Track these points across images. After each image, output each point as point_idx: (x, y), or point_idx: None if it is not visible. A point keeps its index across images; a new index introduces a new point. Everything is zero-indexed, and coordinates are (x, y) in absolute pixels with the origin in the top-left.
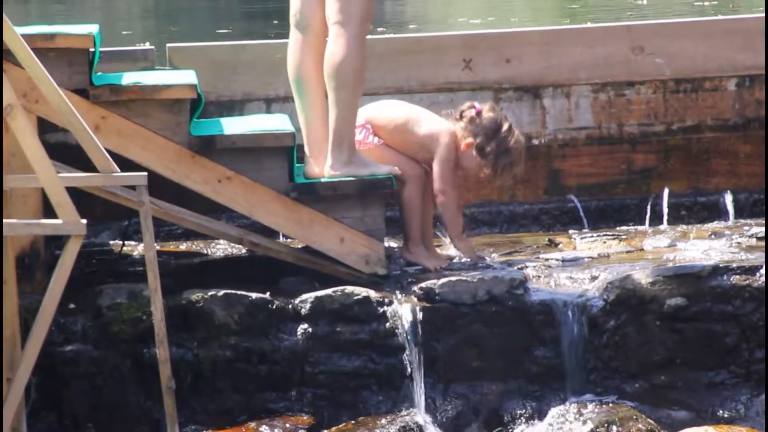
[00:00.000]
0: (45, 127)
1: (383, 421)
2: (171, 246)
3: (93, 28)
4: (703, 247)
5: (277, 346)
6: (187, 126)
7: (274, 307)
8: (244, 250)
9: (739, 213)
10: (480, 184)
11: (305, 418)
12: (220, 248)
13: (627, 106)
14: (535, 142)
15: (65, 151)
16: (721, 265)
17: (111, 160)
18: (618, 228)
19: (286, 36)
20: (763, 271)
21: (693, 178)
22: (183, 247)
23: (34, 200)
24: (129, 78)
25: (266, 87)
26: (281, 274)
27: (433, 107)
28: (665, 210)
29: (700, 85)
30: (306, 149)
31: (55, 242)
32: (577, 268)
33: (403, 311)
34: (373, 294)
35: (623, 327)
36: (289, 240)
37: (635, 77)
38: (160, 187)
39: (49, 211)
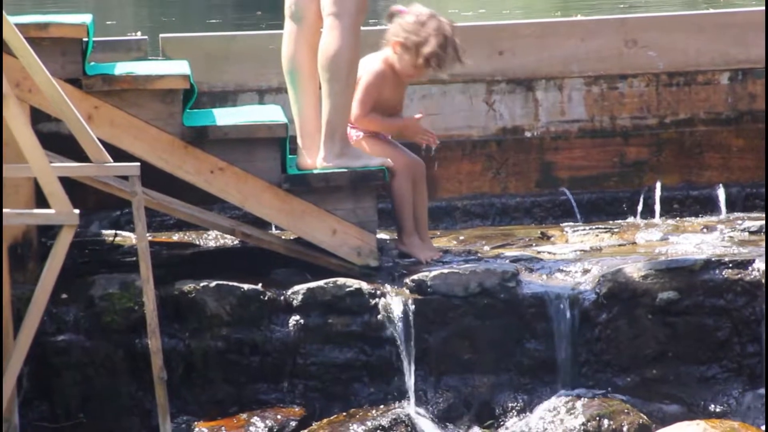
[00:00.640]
0: (38, 117)
1: (374, 412)
2: (163, 236)
3: (86, 18)
4: (695, 241)
5: (269, 338)
6: (180, 116)
7: (266, 298)
8: (236, 241)
9: (732, 207)
10: (471, 175)
11: (297, 409)
12: (212, 239)
13: (620, 99)
14: (528, 134)
15: (58, 140)
16: (713, 259)
17: (103, 150)
18: (610, 221)
19: (278, 27)
20: (755, 265)
21: (685, 171)
22: (175, 237)
23: (27, 190)
24: (122, 68)
25: (259, 78)
26: (273, 265)
27: (426, 99)
28: (657, 203)
29: (692, 78)
30: (299, 140)
31: (48, 232)
32: (569, 261)
33: (394, 303)
34: (365, 286)
35: (615, 320)
36: (281, 231)
37: (628, 70)
38: (152, 177)
39: (41, 200)
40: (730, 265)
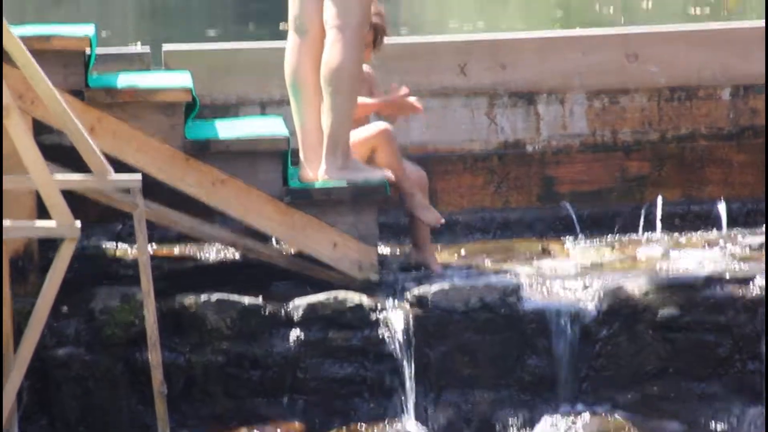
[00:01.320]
0: (40, 129)
1: (374, 428)
2: (164, 249)
3: (89, 30)
4: (696, 257)
5: (269, 352)
6: (182, 129)
7: (267, 312)
8: (237, 254)
9: (733, 222)
10: (473, 189)
11: (296, 424)
12: (214, 252)
13: (621, 113)
14: (529, 148)
15: (60, 152)
16: (714, 276)
17: (106, 162)
18: (611, 236)
19: (276, 38)
20: (756, 281)
21: (687, 186)
22: (176, 250)
23: (28, 201)
24: (124, 80)
25: (261, 90)
26: (274, 278)
27: (427, 113)
28: (659, 218)
29: (694, 93)
30: (301, 153)
31: (49, 244)
32: (570, 277)
33: (395, 318)
34: (365, 300)
35: (616, 336)
36: (282, 244)
37: (630, 85)
38: (154, 189)
39: (43, 212)
40: (732, 281)
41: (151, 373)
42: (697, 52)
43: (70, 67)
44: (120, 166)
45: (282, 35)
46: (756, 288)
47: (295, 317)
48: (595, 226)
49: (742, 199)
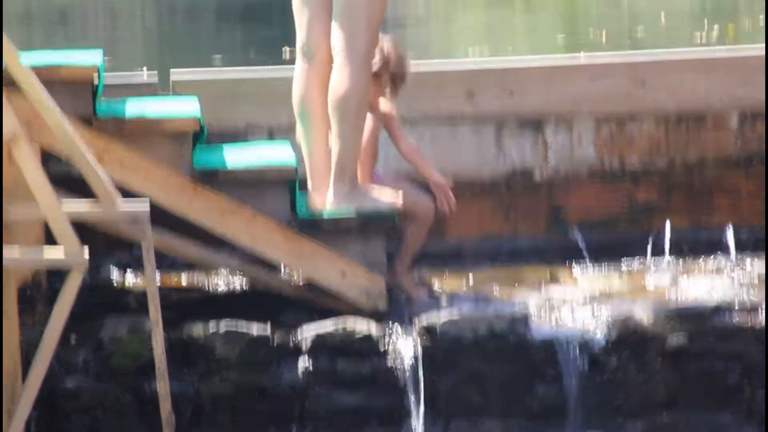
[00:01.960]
0: (48, 157)
1: None
2: (173, 278)
3: (97, 58)
4: (705, 285)
5: (278, 382)
6: (190, 157)
7: (275, 342)
8: (245, 283)
9: (742, 250)
10: (481, 216)
11: None
12: (222, 281)
13: (629, 140)
14: (537, 175)
15: (68, 181)
16: (723, 304)
17: (114, 190)
18: (620, 264)
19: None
20: (765, 309)
21: (695, 213)
22: (184, 279)
23: (36, 230)
24: (132, 107)
25: (269, 116)
26: (282, 306)
27: (435, 140)
28: (667, 246)
29: (702, 120)
30: (309, 181)
31: (57, 273)
32: (578, 305)
33: (404, 347)
34: (374, 329)
35: (625, 365)
36: (290, 273)
37: (637, 111)
38: (162, 218)
39: (51, 241)
40: (741, 309)
41: (159, 403)
42: (704, 78)
43: (79, 95)
44: (128, 195)
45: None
46: (765, 316)
47: (304, 346)
48: (604, 253)
49: (751, 227)
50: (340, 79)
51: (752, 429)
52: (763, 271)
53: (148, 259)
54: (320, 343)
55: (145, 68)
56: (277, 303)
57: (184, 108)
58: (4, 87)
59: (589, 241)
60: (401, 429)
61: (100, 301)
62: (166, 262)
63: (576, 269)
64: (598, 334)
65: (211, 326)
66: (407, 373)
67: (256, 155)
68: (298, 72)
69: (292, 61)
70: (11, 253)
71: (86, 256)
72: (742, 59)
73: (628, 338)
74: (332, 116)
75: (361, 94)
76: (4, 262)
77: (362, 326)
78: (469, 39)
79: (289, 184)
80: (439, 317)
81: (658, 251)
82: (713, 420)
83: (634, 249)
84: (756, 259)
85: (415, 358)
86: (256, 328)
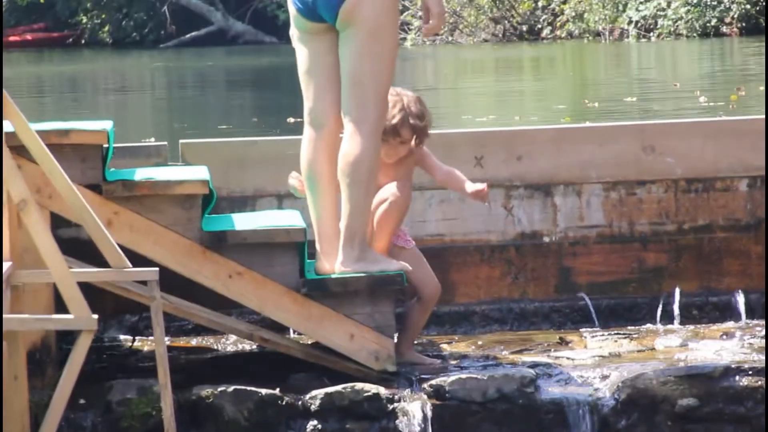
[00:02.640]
0: (58, 222)
1: None
2: (181, 341)
3: (107, 124)
4: (714, 348)
5: None
6: (199, 221)
7: (284, 403)
8: (254, 346)
9: (751, 314)
10: (490, 280)
11: None
12: (231, 343)
13: (638, 204)
14: (547, 239)
15: (77, 246)
16: (732, 366)
17: (123, 255)
18: (629, 327)
19: (291, 131)
20: None
21: (705, 277)
22: (193, 342)
23: (46, 295)
24: (142, 173)
25: (278, 183)
26: (291, 369)
27: (444, 204)
28: (677, 309)
29: (711, 184)
30: (317, 245)
31: (67, 337)
32: (588, 367)
33: (412, 408)
34: (382, 391)
35: (634, 427)
36: (299, 335)
37: (646, 176)
38: (171, 281)
39: (60, 305)
40: (750, 372)
41: None
42: (712, 144)
43: (88, 161)
44: (137, 259)
45: (291, 130)
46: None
47: (312, 408)
48: (613, 316)
49: (761, 291)
50: (351, 146)
51: None
52: None
53: (157, 321)
54: (329, 404)
55: (153, 138)
56: (286, 365)
57: (193, 174)
58: (14, 154)
59: (599, 304)
60: None
61: (109, 363)
62: (174, 325)
63: (585, 332)
64: (607, 396)
65: (220, 388)
66: None
67: (265, 220)
68: (306, 140)
69: (296, 130)
70: (20, 315)
71: (95, 318)
72: (750, 123)
73: (638, 400)
74: (342, 181)
75: (372, 160)
76: (14, 327)
77: (371, 387)
78: (478, 106)
79: (298, 248)
80: (448, 379)
81: (667, 314)
82: None
83: (644, 312)
84: (766, 322)
85: (424, 419)
86: (264, 390)
